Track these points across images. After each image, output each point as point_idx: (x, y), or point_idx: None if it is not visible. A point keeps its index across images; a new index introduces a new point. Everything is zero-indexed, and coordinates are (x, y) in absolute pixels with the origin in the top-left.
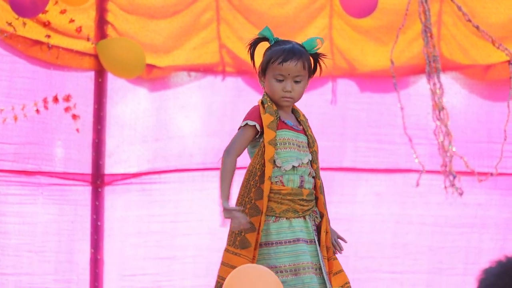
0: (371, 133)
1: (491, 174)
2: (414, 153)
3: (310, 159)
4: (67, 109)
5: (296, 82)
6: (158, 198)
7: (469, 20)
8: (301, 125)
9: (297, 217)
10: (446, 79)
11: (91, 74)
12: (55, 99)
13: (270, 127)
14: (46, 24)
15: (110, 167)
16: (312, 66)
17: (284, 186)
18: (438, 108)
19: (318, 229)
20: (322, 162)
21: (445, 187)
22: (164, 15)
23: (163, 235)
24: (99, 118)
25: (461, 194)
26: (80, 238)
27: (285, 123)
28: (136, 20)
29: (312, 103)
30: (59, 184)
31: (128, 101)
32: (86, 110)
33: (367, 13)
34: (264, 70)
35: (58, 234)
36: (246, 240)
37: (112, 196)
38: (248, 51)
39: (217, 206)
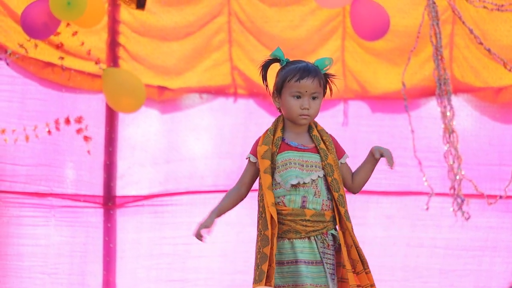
0: None
1: (500, 197)
2: (424, 176)
3: (315, 178)
4: (79, 131)
5: (313, 99)
6: (170, 220)
7: (481, 43)
8: (313, 142)
9: (299, 238)
10: (458, 101)
11: (103, 96)
12: (67, 121)
13: (263, 157)
14: (59, 46)
15: (122, 189)
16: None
17: (285, 206)
18: (448, 131)
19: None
20: None
21: (454, 211)
22: (176, 37)
23: (175, 258)
24: (110, 140)
25: (467, 218)
26: (92, 260)
27: (289, 144)
28: (148, 42)
29: (324, 125)
30: (70, 206)
31: (139, 123)
32: (98, 131)
33: (379, 36)
34: (279, 89)
35: (70, 256)
36: (262, 271)
37: (123, 218)
38: (260, 73)
39: (230, 229)
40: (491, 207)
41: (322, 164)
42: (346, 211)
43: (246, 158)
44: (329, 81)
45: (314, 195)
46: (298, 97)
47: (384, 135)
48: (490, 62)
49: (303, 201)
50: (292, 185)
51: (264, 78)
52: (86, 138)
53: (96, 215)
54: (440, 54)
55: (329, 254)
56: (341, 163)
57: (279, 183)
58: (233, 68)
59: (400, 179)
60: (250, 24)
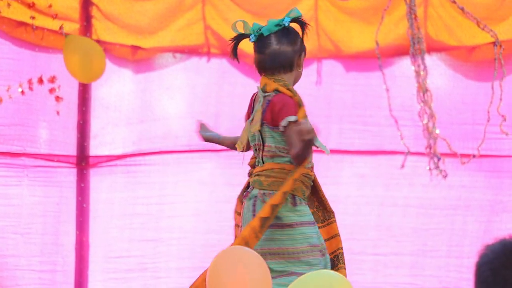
0: (356, 114)
1: (474, 156)
2: (400, 135)
3: None
4: (51, 91)
5: None
6: (143, 180)
7: (454, 1)
8: None
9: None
10: (431, 60)
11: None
12: (40, 80)
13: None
14: (31, 6)
15: (95, 148)
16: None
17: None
18: (422, 90)
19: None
20: None
21: (430, 169)
22: None
23: (148, 217)
24: (83, 100)
25: (445, 176)
26: (65, 220)
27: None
28: (121, 1)
29: (297, 84)
30: (44, 166)
31: (113, 83)
32: (71, 91)
33: None
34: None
35: (43, 216)
36: None
37: (97, 178)
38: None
39: (203, 188)
40: (464, 166)
41: None
42: None
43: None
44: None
45: None
46: None
47: (358, 94)
48: (464, 20)
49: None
50: None
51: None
52: (57, 99)
53: (69, 175)
54: (414, 13)
55: None
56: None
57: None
58: (206, 28)
59: (374, 138)
60: None
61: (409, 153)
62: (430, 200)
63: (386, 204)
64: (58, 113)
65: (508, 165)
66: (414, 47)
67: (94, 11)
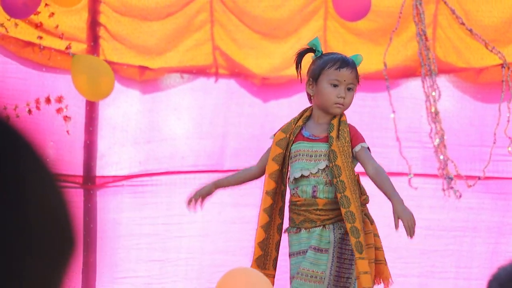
0: (363, 135)
1: (479, 178)
2: (404, 159)
3: (322, 167)
4: (59, 110)
5: (349, 90)
6: (150, 200)
7: (463, 23)
8: (328, 130)
9: (315, 227)
10: (440, 81)
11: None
12: (48, 100)
13: (278, 144)
14: (38, 25)
15: (102, 169)
16: None
17: (299, 197)
18: (434, 110)
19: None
20: None
21: (443, 190)
22: (157, 17)
23: (155, 238)
24: (91, 120)
25: (459, 196)
26: None
27: (302, 135)
28: (129, 22)
29: (306, 104)
30: None
31: (120, 103)
32: (78, 111)
33: (360, 17)
34: (316, 77)
35: None
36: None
37: (104, 198)
38: (294, 60)
39: (211, 208)
40: (471, 188)
41: (328, 151)
42: (342, 197)
43: (270, 139)
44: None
45: (325, 184)
46: (335, 85)
47: (365, 116)
48: (473, 42)
49: (314, 191)
50: (295, 179)
51: (298, 65)
52: (65, 118)
53: (76, 195)
54: (424, 34)
55: (346, 240)
56: (355, 151)
57: (289, 175)
58: (215, 48)
59: (381, 160)
60: (232, 3)
61: (413, 175)
62: (438, 222)
63: (394, 226)
64: (68, 132)
65: None
66: (425, 68)
67: (101, 32)
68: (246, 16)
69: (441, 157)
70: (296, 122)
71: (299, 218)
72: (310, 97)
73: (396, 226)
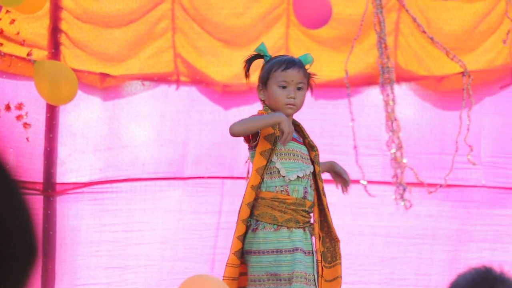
0: (324, 143)
1: (441, 186)
2: (359, 167)
3: (312, 171)
4: (18, 117)
5: (299, 89)
6: (110, 208)
7: (424, 32)
8: (301, 136)
9: (298, 228)
10: (401, 89)
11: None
12: (7, 107)
13: (266, 139)
14: None
15: (62, 176)
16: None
17: (289, 195)
18: (391, 119)
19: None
20: None
21: (395, 199)
22: (119, 24)
23: (114, 245)
24: (51, 127)
25: (408, 207)
26: None
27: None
28: (90, 29)
29: None
30: None
31: (80, 110)
32: (38, 118)
33: (321, 24)
34: (265, 81)
35: None
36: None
37: (63, 205)
38: (243, 67)
39: (170, 216)
40: (431, 196)
41: (310, 157)
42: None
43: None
44: (310, 79)
45: (311, 187)
46: (284, 87)
47: (326, 123)
48: (434, 50)
49: (305, 192)
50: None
51: (247, 72)
52: (25, 125)
53: (35, 201)
54: (384, 42)
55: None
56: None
57: (279, 170)
58: (176, 56)
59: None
60: (193, 11)
61: (367, 183)
62: (397, 229)
63: (354, 233)
64: (28, 139)
65: (475, 194)
66: (383, 76)
67: (62, 38)
68: (207, 24)
69: (400, 165)
70: None
71: (283, 217)
72: (263, 103)
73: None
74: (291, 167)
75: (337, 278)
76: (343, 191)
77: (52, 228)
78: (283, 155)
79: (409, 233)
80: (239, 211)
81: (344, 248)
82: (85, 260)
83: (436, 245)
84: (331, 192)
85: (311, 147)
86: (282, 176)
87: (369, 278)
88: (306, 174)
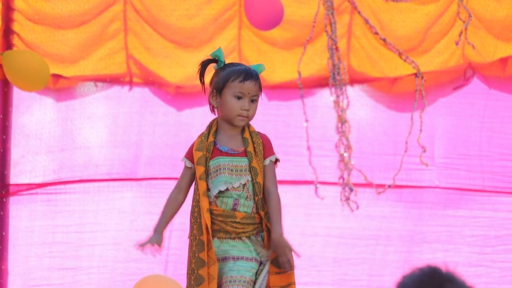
0: (277, 144)
1: (389, 186)
2: (312, 168)
3: (244, 182)
4: None
5: (252, 101)
6: (63, 209)
7: (376, 33)
8: (244, 145)
9: (229, 238)
10: (354, 91)
11: None
12: None
13: (199, 163)
14: None
15: (15, 177)
16: None
17: (217, 206)
18: (341, 121)
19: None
20: None
21: (341, 200)
22: (71, 25)
23: (68, 246)
24: (4, 128)
25: (354, 209)
26: None
27: (220, 150)
28: (43, 30)
29: None
30: None
31: (34, 111)
32: None
33: (272, 26)
34: (220, 89)
35: None
36: (199, 276)
37: (17, 206)
38: (198, 71)
39: (124, 217)
40: (384, 197)
41: (248, 167)
42: (266, 213)
43: (182, 161)
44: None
45: (246, 198)
46: (239, 98)
47: (280, 124)
48: (386, 52)
49: (235, 204)
50: (221, 191)
51: (202, 76)
52: None
53: None
54: (335, 44)
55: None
56: (264, 164)
57: (210, 188)
58: (129, 57)
59: (295, 168)
60: (145, 12)
61: (318, 183)
62: (350, 230)
63: (307, 234)
64: None
65: (428, 195)
66: (334, 77)
67: (15, 40)
68: (160, 25)
69: (347, 167)
70: (207, 138)
71: (213, 227)
72: (213, 108)
73: (268, 256)
74: (215, 182)
75: (290, 285)
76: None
77: (5, 229)
78: (211, 173)
79: (363, 234)
80: None
81: (297, 249)
82: (38, 261)
83: (389, 246)
84: (284, 193)
85: (249, 157)
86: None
87: (322, 279)
88: (234, 187)
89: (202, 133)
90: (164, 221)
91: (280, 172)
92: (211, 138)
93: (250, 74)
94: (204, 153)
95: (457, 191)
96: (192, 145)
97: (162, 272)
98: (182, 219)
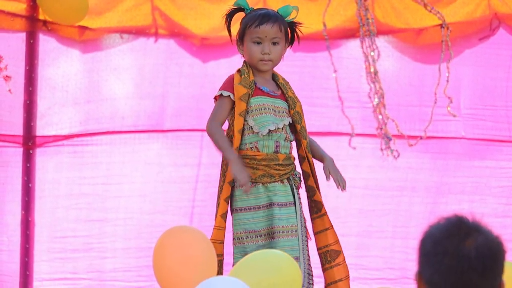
0: (303, 96)
1: (421, 138)
2: (346, 118)
3: (287, 123)
4: None
5: (274, 44)
6: (89, 160)
7: None
8: (280, 89)
9: (274, 182)
10: (379, 42)
11: (23, 35)
12: None
13: (242, 99)
14: None
15: (42, 129)
16: (289, 35)
17: (259, 152)
18: (374, 71)
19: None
20: None
21: (381, 149)
22: None
23: (94, 197)
24: (30, 80)
25: (397, 156)
26: (10, 199)
27: (261, 89)
28: None
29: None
30: None
31: (60, 63)
32: (18, 71)
33: None
34: (241, 36)
35: None
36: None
37: (43, 158)
38: (224, 22)
39: (149, 169)
40: (410, 148)
41: (290, 111)
42: (311, 156)
43: (218, 96)
44: (295, 28)
45: (285, 140)
46: (259, 42)
47: (305, 75)
48: (411, 3)
49: (277, 146)
50: (270, 130)
51: (228, 27)
52: (6, 78)
53: (15, 154)
54: None
55: (299, 194)
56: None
57: (251, 127)
58: (154, 8)
59: (320, 120)
60: None
61: (354, 135)
62: (376, 181)
63: (332, 186)
64: (10, 91)
65: (454, 146)
66: (363, 28)
67: None
68: None
69: (380, 116)
70: (249, 76)
71: (256, 173)
72: (243, 56)
73: (328, 178)
74: (262, 121)
75: (324, 231)
76: (338, 188)
77: (31, 180)
78: (254, 111)
79: (388, 185)
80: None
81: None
82: (64, 213)
83: (415, 197)
84: None
85: (292, 103)
86: (255, 132)
87: (346, 231)
88: (278, 128)
89: (239, 70)
90: (231, 146)
91: (306, 124)
92: (251, 77)
93: (266, 17)
94: (248, 90)
95: (483, 142)
96: (231, 80)
97: (188, 224)
98: (209, 171)
